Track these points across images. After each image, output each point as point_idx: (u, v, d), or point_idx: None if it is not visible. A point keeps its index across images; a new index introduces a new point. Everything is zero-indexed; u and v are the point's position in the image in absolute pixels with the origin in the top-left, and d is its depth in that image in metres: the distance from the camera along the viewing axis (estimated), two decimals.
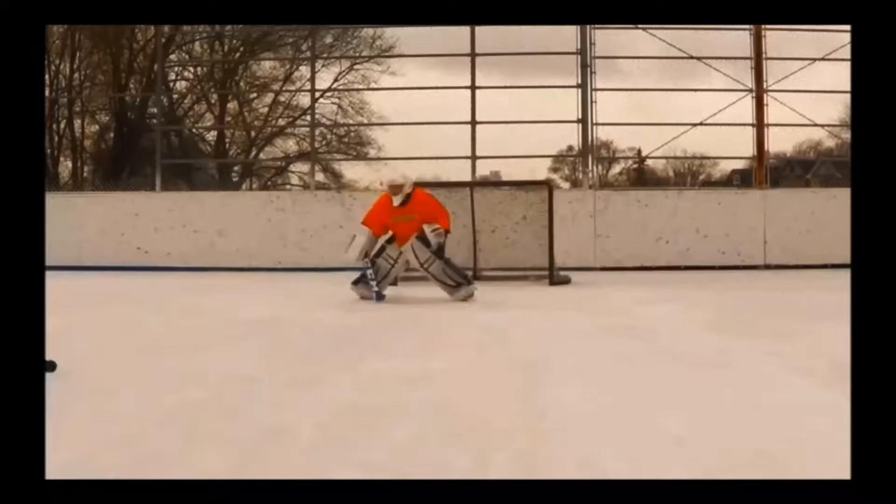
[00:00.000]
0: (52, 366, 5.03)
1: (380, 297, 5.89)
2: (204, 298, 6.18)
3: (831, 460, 1.80)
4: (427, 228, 5.94)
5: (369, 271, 5.91)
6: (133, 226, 9.57)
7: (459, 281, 5.97)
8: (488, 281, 7.39)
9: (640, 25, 9.18)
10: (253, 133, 13.49)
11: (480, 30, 9.60)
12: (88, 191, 11.24)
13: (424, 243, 5.95)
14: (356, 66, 12.26)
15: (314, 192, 9.86)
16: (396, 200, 5.96)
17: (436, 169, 10.17)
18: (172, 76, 13.06)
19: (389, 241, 6.07)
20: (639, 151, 11.74)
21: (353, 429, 2.17)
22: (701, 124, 9.63)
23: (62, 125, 12.73)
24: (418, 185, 6.53)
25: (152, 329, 4.49)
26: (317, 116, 11.32)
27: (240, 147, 13.80)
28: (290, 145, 13.51)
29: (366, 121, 12.19)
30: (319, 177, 11.57)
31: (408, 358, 3.37)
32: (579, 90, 9.62)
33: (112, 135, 13.15)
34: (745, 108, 9.66)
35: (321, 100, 11.85)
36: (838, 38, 8.78)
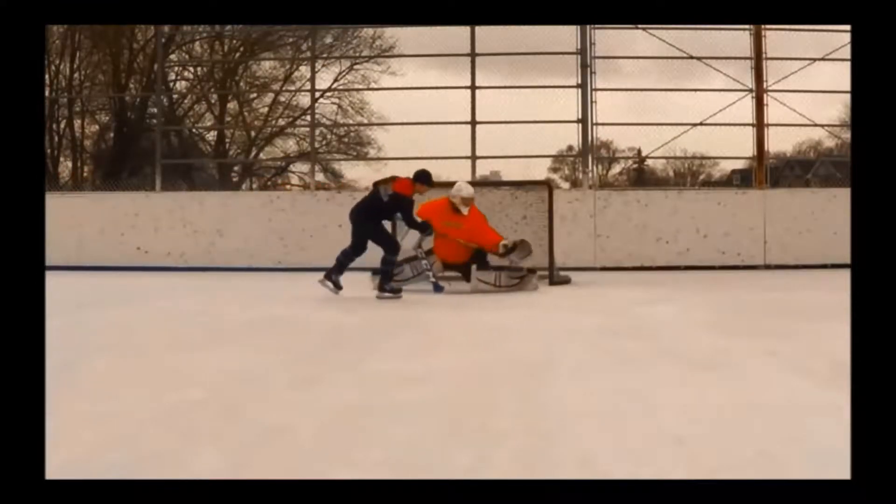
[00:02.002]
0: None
1: (438, 287, 6.28)
2: (204, 298, 6.18)
3: (831, 460, 1.80)
4: (505, 249, 6.54)
5: (424, 262, 6.35)
6: (133, 226, 9.57)
7: (521, 275, 6.53)
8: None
9: (640, 25, 9.18)
10: (253, 133, 13.49)
11: (480, 30, 9.59)
12: (88, 191, 11.24)
13: (482, 266, 6.51)
14: (356, 66, 12.27)
15: (314, 192, 9.86)
16: (465, 210, 6.60)
17: (436, 169, 10.10)
18: (172, 76, 13.06)
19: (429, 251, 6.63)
20: (639, 151, 11.73)
21: (353, 429, 2.17)
22: (701, 124, 9.63)
23: (62, 125, 12.73)
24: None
25: (152, 329, 4.49)
26: (317, 116, 11.31)
27: (240, 147, 13.80)
28: (290, 145, 13.51)
29: (366, 121, 12.19)
30: (319, 177, 11.57)
31: (408, 358, 3.37)
32: (579, 90, 9.61)
33: (112, 135, 13.15)
34: (745, 108, 9.65)
35: (321, 100, 11.86)
36: (838, 38, 8.77)
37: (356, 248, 6.12)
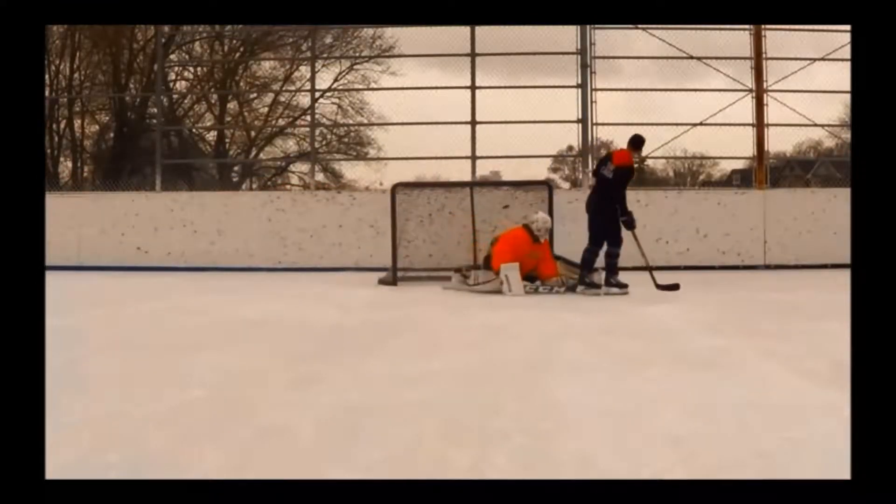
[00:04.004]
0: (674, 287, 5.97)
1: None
2: (204, 298, 6.18)
3: (831, 460, 1.80)
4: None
5: (542, 288, 6.37)
6: (133, 226, 9.56)
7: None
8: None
9: (640, 25, 9.18)
10: (253, 133, 13.49)
11: (480, 30, 9.59)
12: (88, 191, 11.24)
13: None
14: (356, 66, 12.27)
15: (314, 192, 9.86)
16: (542, 239, 6.63)
17: (436, 169, 10.17)
18: (172, 76, 13.06)
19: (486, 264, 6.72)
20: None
21: (352, 429, 2.17)
22: (701, 124, 9.62)
23: (62, 125, 12.73)
24: (412, 184, 7.10)
25: (152, 329, 4.49)
26: (317, 116, 11.31)
27: (240, 147, 13.81)
28: (290, 145, 13.52)
29: (366, 121, 12.19)
30: (319, 177, 11.57)
31: (408, 358, 3.37)
32: (579, 90, 9.61)
33: (112, 135, 13.15)
34: (745, 108, 9.65)
35: (321, 100, 11.86)
36: (838, 38, 8.77)
37: (595, 241, 6.23)
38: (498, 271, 6.45)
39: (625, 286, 6.15)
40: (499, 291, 6.39)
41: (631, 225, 6.22)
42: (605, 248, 6.27)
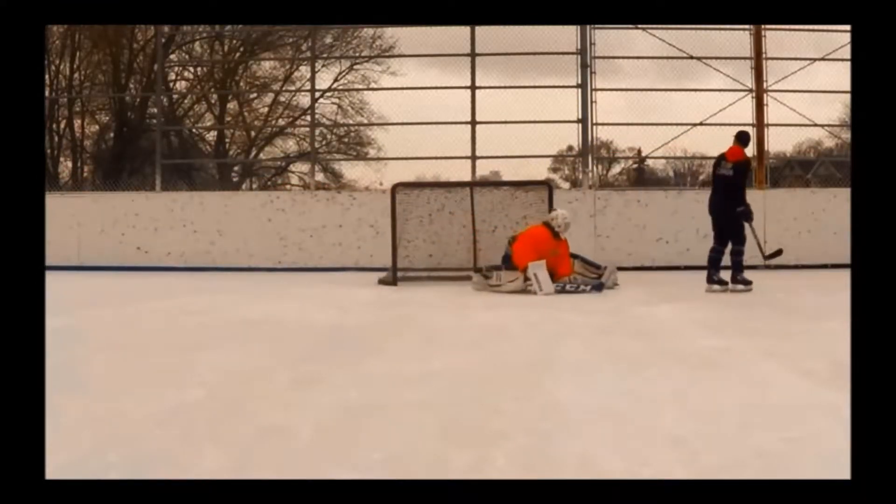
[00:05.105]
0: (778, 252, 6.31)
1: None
2: (204, 298, 6.18)
3: (831, 460, 1.80)
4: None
5: (569, 286, 6.47)
6: (133, 226, 9.56)
7: (599, 272, 6.83)
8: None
9: (640, 25, 9.18)
10: (253, 133, 13.49)
11: (480, 30, 9.59)
12: (88, 191, 11.23)
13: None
14: (356, 66, 12.27)
15: (314, 192, 9.86)
16: (564, 235, 6.77)
17: (436, 169, 10.17)
18: (172, 76, 13.06)
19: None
20: (639, 151, 11.74)
21: (352, 429, 2.17)
22: (701, 124, 9.62)
23: (62, 125, 12.72)
24: (412, 184, 7.20)
25: (152, 328, 4.49)
26: (317, 116, 11.31)
27: (240, 147, 13.80)
28: (290, 145, 13.52)
29: (366, 121, 12.19)
30: (319, 177, 11.57)
31: (407, 358, 3.37)
32: (579, 90, 9.61)
33: (112, 135, 13.14)
34: (745, 108, 9.65)
35: (321, 100, 11.86)
36: (838, 38, 8.77)
37: (721, 240, 6.36)
38: (525, 270, 6.43)
39: (749, 283, 6.26)
40: (522, 291, 6.38)
41: (748, 216, 6.30)
42: (730, 246, 6.37)
